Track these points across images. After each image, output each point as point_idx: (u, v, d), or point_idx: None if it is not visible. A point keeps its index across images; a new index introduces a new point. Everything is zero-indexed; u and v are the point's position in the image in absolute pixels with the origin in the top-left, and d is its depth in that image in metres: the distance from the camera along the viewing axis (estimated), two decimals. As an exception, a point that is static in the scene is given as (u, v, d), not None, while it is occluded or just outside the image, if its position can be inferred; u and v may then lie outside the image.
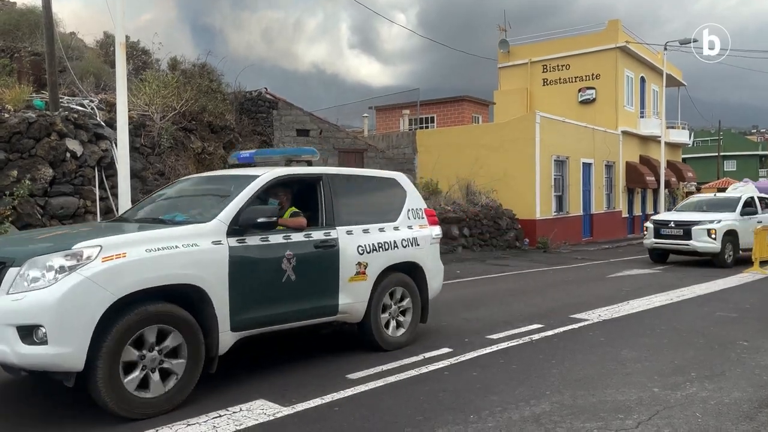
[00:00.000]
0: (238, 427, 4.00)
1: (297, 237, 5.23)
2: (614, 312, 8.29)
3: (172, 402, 4.24)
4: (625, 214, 26.60)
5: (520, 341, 6.50)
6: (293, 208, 5.70)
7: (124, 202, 9.29)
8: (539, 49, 28.47)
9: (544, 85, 28.21)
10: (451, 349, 6.07)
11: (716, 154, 51.27)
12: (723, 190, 31.65)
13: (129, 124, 9.60)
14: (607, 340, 6.59)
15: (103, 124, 11.03)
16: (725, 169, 56.76)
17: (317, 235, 5.42)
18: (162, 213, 5.47)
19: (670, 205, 26.22)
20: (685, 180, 31.29)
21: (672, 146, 32.02)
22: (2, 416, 4.28)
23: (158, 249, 4.25)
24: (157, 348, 4.19)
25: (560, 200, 21.61)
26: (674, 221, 14.74)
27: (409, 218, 6.41)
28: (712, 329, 7.17)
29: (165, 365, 4.24)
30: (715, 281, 11.65)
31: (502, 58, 29.44)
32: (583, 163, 22.88)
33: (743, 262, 14.26)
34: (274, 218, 4.94)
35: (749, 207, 15.14)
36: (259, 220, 4.81)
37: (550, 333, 6.91)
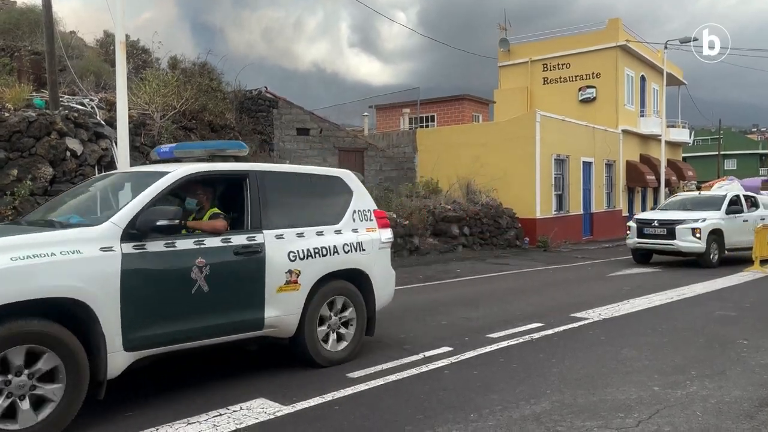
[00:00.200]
0: (238, 426, 4.00)
1: (212, 242, 4.64)
2: (614, 311, 8.29)
3: None
4: (625, 213, 26.57)
5: (521, 340, 6.50)
6: (215, 209, 5.14)
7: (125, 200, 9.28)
8: (539, 48, 28.46)
9: (544, 83, 28.20)
10: (451, 348, 6.06)
11: (716, 152, 51.25)
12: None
13: (129, 123, 9.60)
14: (608, 339, 6.58)
15: (103, 123, 11.03)
16: (725, 168, 56.73)
17: (238, 239, 4.82)
18: (58, 214, 4.90)
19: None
20: (685, 179, 31.27)
21: (672, 145, 32.01)
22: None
23: (27, 257, 3.66)
24: (26, 371, 3.62)
25: (560, 199, 21.60)
26: (658, 220, 14.30)
27: (354, 220, 5.82)
28: (712, 328, 7.17)
29: (38, 391, 3.66)
30: (715, 280, 11.65)
31: (503, 56, 29.43)
32: (583, 162, 22.87)
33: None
34: (177, 221, 4.31)
35: (735, 205, 14.71)
36: (158, 223, 4.20)
37: (550, 332, 6.91)
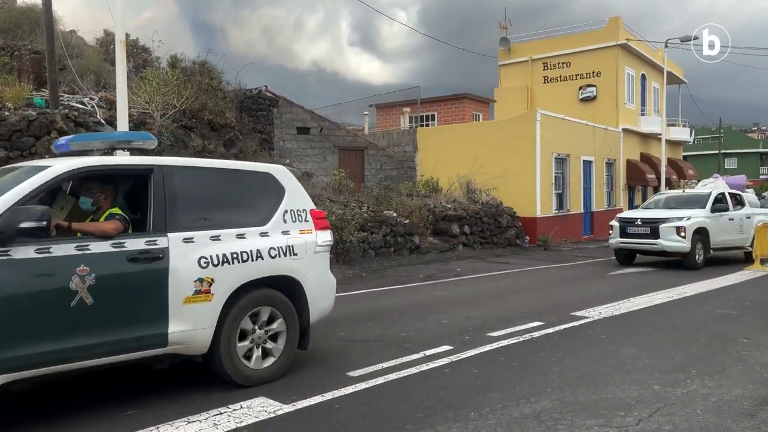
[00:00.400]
0: (238, 425, 4.00)
1: (99, 248, 4.09)
2: (615, 309, 8.28)
3: None
4: (625, 212, 26.59)
5: (521, 339, 6.50)
6: (115, 209, 4.56)
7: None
8: (540, 47, 28.45)
9: (544, 82, 28.19)
10: (451, 347, 6.06)
11: (717, 151, 51.22)
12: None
13: (129, 122, 9.60)
14: (608, 338, 6.58)
15: (103, 122, 11.03)
16: (726, 167, 56.67)
17: (135, 244, 4.25)
18: None
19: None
20: (686, 177, 31.27)
21: (673, 144, 32.01)
22: (3, 414, 4.28)
23: None
24: None
25: (561, 198, 21.60)
26: (641, 219, 13.71)
27: (285, 221, 5.19)
28: (712, 326, 7.16)
29: None
30: (715, 279, 11.65)
31: (503, 55, 29.42)
32: (583, 160, 22.87)
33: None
34: (44, 222, 3.76)
35: (720, 203, 14.16)
36: (22, 225, 3.68)
37: (550, 330, 6.91)
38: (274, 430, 3.96)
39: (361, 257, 13.81)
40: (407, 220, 15.57)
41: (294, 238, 5.18)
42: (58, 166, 4.18)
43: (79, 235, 4.28)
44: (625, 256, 14.28)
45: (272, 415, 4.19)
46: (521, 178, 19.62)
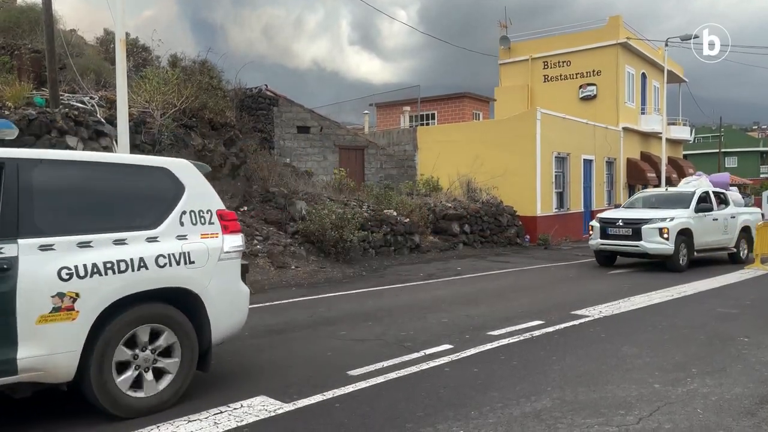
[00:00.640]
0: (239, 423, 4.00)
1: None
2: (615, 308, 8.28)
3: None
4: (626, 211, 26.57)
5: (521, 337, 6.50)
6: None
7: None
8: (540, 46, 28.43)
9: (544, 81, 28.17)
10: (451, 346, 6.06)
11: (717, 150, 51.20)
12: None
13: (129, 121, 9.59)
14: (608, 337, 6.58)
15: (103, 121, 11.02)
16: (726, 166, 56.64)
17: None
18: None
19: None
20: (686, 176, 31.27)
21: (673, 143, 31.99)
22: (4, 416, 4.28)
23: None
24: None
25: (561, 197, 21.60)
26: (622, 219, 13.10)
27: (182, 224, 4.50)
28: (712, 325, 7.16)
29: None
30: (715, 278, 11.65)
31: (503, 54, 29.40)
32: (584, 159, 22.86)
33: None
34: None
35: (704, 203, 13.53)
36: None
37: (551, 329, 6.91)
38: (274, 429, 3.97)
39: (361, 256, 13.81)
40: (407, 219, 15.57)
41: (192, 244, 4.50)
42: None
43: None
44: (606, 258, 13.77)
45: (272, 414, 4.20)
46: (521, 177, 19.61)
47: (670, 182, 27.54)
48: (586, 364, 5.45)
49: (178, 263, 4.37)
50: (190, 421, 4.03)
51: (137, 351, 4.18)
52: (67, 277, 3.85)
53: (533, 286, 10.80)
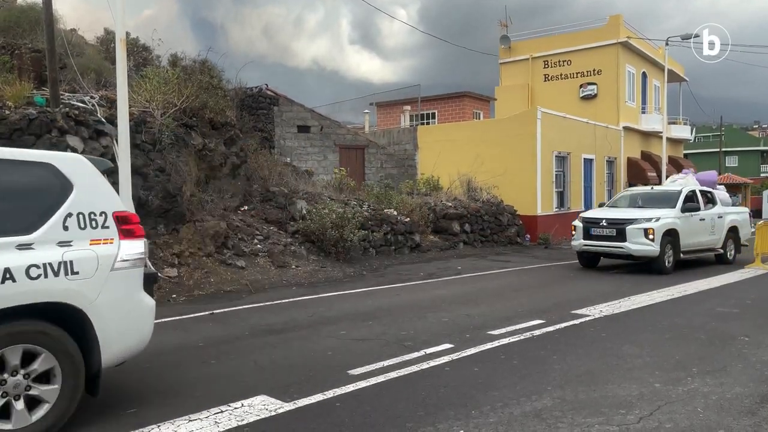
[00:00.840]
0: (239, 423, 4.00)
1: None
2: (615, 308, 8.28)
3: None
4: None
5: (522, 337, 6.50)
6: None
7: (125, 198, 9.29)
8: (540, 45, 28.43)
9: (545, 80, 28.17)
10: (452, 345, 6.06)
11: (718, 149, 51.19)
12: (727, 186, 31.57)
13: (130, 120, 9.59)
14: (609, 336, 6.58)
15: (103, 120, 11.02)
16: (727, 165, 56.66)
17: None
18: None
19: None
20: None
21: (673, 142, 31.98)
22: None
23: None
24: None
25: (561, 196, 21.60)
26: (606, 219, 12.58)
27: (66, 228, 3.90)
28: (713, 325, 7.16)
29: None
30: (716, 277, 11.65)
31: (503, 53, 29.40)
32: (584, 158, 22.86)
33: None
34: None
35: (690, 202, 12.99)
36: None
37: (551, 329, 6.91)
38: (275, 429, 3.97)
39: (361, 256, 13.81)
40: (408, 219, 15.57)
41: (77, 251, 3.89)
42: None
43: None
44: (589, 260, 13.29)
45: (273, 413, 4.20)
46: (522, 176, 19.62)
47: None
48: (586, 364, 5.45)
49: (56, 274, 3.76)
50: (190, 420, 4.03)
51: (5, 376, 3.57)
52: None
53: (533, 285, 10.80)
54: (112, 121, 10.58)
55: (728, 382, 4.88)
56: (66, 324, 3.84)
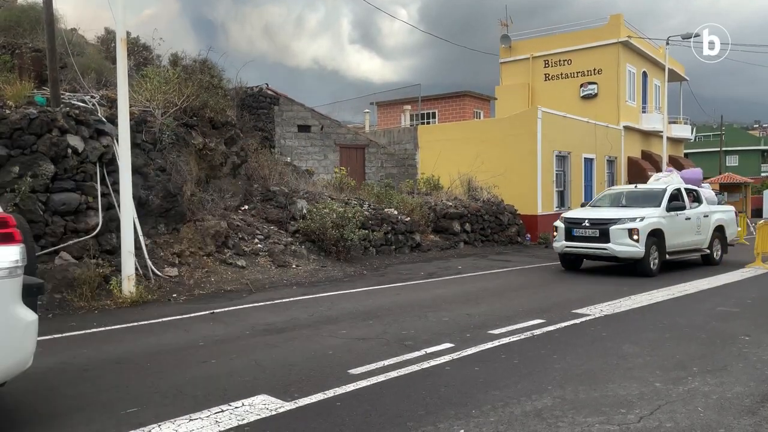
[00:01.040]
0: (240, 422, 4.00)
1: None
2: (616, 307, 8.28)
3: None
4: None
5: (522, 336, 6.50)
6: None
7: (126, 198, 9.34)
8: (541, 44, 28.42)
9: (545, 80, 28.16)
10: (452, 345, 6.07)
11: (718, 149, 51.17)
12: (727, 185, 31.44)
13: (130, 120, 9.59)
14: (609, 335, 6.59)
15: (104, 120, 11.02)
16: (727, 164, 56.64)
17: None
18: None
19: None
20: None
21: (674, 141, 31.97)
22: (5, 412, 4.28)
23: None
24: None
25: (562, 195, 21.60)
26: (589, 219, 12.13)
27: None
28: (713, 324, 7.16)
29: None
30: (716, 276, 11.65)
31: (504, 53, 29.39)
32: (584, 158, 22.86)
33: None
34: None
35: (676, 201, 12.60)
36: None
37: (551, 328, 6.91)
38: (275, 428, 3.97)
39: (362, 255, 13.82)
40: (408, 218, 15.58)
41: None
42: None
43: None
44: (571, 262, 12.86)
45: (274, 412, 4.20)
46: (522, 175, 19.62)
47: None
48: (586, 363, 5.45)
49: None
50: (191, 420, 4.04)
51: None
52: None
53: (534, 284, 10.80)
54: (113, 120, 10.59)
55: (729, 382, 4.88)
56: None
